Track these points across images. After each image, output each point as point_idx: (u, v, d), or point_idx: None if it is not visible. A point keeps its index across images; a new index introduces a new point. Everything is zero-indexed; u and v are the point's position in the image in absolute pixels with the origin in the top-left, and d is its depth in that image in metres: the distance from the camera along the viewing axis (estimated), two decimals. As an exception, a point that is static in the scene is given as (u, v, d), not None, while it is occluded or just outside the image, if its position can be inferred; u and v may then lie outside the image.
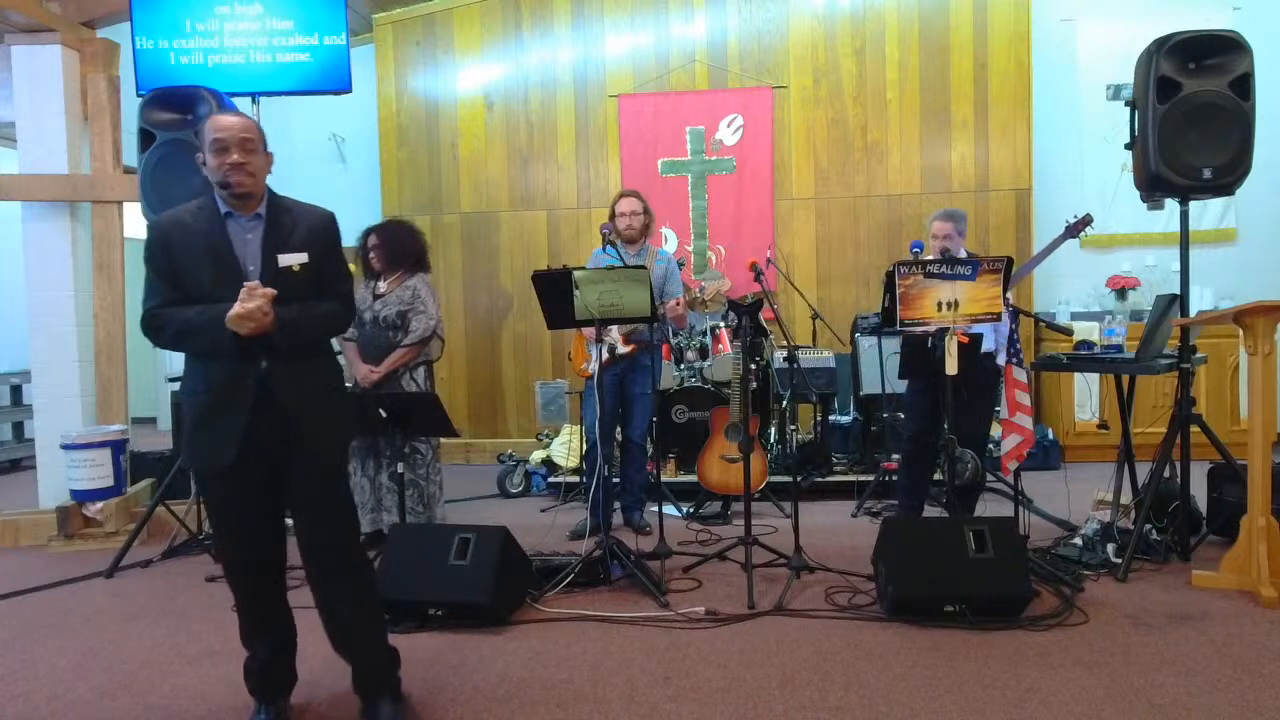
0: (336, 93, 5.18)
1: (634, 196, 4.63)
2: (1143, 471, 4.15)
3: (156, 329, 2.37)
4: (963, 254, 4.28)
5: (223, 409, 2.37)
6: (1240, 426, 5.57)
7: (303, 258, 2.41)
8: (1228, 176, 3.76)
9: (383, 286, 4.47)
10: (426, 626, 3.27)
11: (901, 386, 5.03)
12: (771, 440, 5.63)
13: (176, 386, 5.66)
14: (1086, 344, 4.16)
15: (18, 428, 7.85)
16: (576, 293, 3.55)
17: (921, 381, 4.21)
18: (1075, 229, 4.40)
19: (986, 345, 4.07)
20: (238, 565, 2.54)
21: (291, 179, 7.24)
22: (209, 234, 2.36)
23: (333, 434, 2.51)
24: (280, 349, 2.34)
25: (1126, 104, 3.99)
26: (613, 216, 4.61)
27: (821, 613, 3.37)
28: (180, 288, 2.36)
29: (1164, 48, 3.77)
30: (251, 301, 2.25)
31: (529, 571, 3.64)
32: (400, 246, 4.50)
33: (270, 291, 2.28)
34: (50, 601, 3.86)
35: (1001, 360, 4.15)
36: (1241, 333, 3.57)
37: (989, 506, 4.48)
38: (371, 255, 4.50)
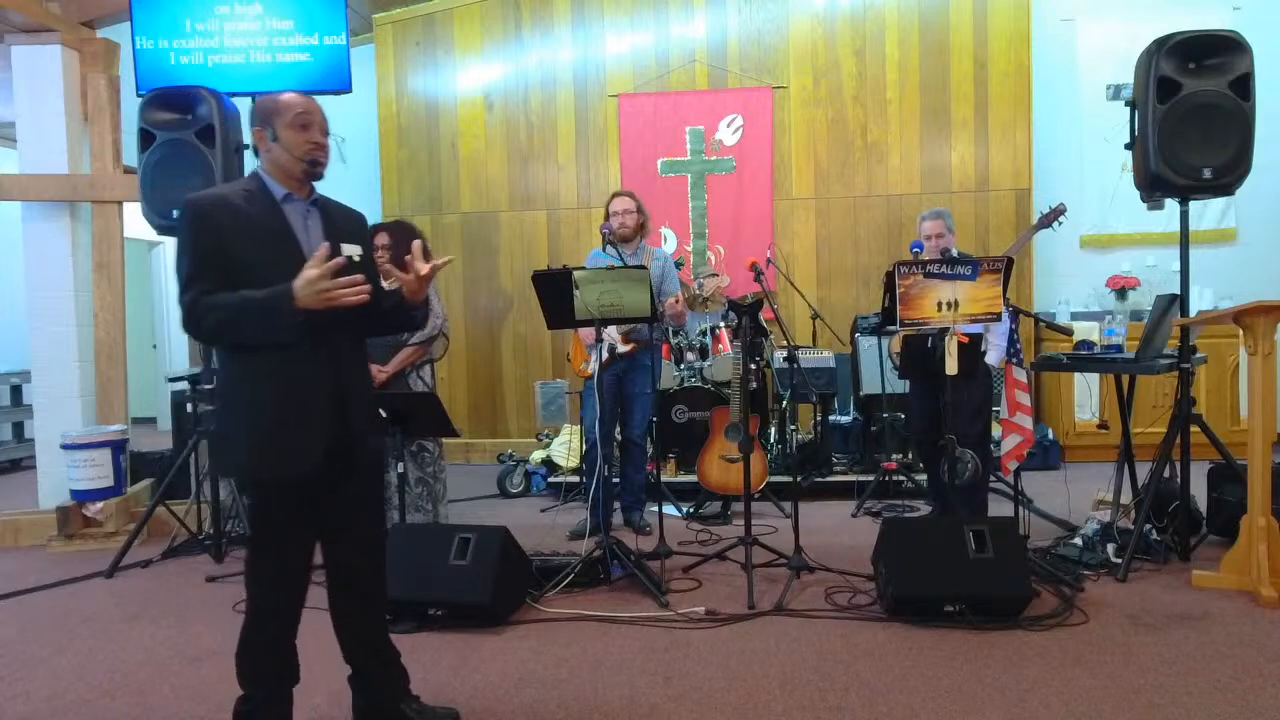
0: (336, 93, 5.17)
1: (627, 196, 4.64)
2: (1143, 471, 4.15)
3: (202, 313, 2.14)
4: (953, 252, 4.30)
5: (303, 408, 2.21)
6: (1240, 426, 5.56)
7: (359, 250, 2.34)
8: (1228, 176, 3.76)
9: (389, 285, 4.46)
10: (426, 626, 3.27)
11: (902, 386, 5.06)
12: (771, 440, 5.63)
13: (177, 386, 5.69)
14: (1086, 344, 4.16)
15: (18, 428, 7.86)
16: (576, 293, 3.55)
17: (918, 382, 4.25)
18: (1048, 219, 4.42)
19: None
20: (283, 583, 2.29)
21: (291, 179, 7.25)
22: (267, 216, 2.24)
23: (379, 424, 2.42)
24: (358, 332, 2.29)
25: (1126, 104, 3.99)
26: (607, 217, 4.61)
27: (821, 613, 3.37)
28: (227, 273, 2.16)
29: (1164, 48, 3.77)
30: (338, 274, 2.11)
31: (529, 571, 3.64)
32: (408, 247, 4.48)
33: (342, 260, 2.15)
34: (50, 601, 3.87)
35: (993, 359, 4.15)
36: (1241, 333, 3.57)
37: (989, 507, 4.47)
38: (379, 254, 4.48)
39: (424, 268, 2.32)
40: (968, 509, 4.14)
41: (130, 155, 4.72)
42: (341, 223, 2.38)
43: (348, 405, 2.29)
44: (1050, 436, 6.18)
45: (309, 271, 2.11)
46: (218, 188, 2.30)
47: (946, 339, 3.54)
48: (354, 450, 2.31)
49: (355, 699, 2.53)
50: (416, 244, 2.35)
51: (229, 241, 2.18)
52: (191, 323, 2.18)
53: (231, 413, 2.27)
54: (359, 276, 2.17)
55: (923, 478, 5.26)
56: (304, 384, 2.23)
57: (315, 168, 2.29)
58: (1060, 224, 4.44)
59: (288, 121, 2.25)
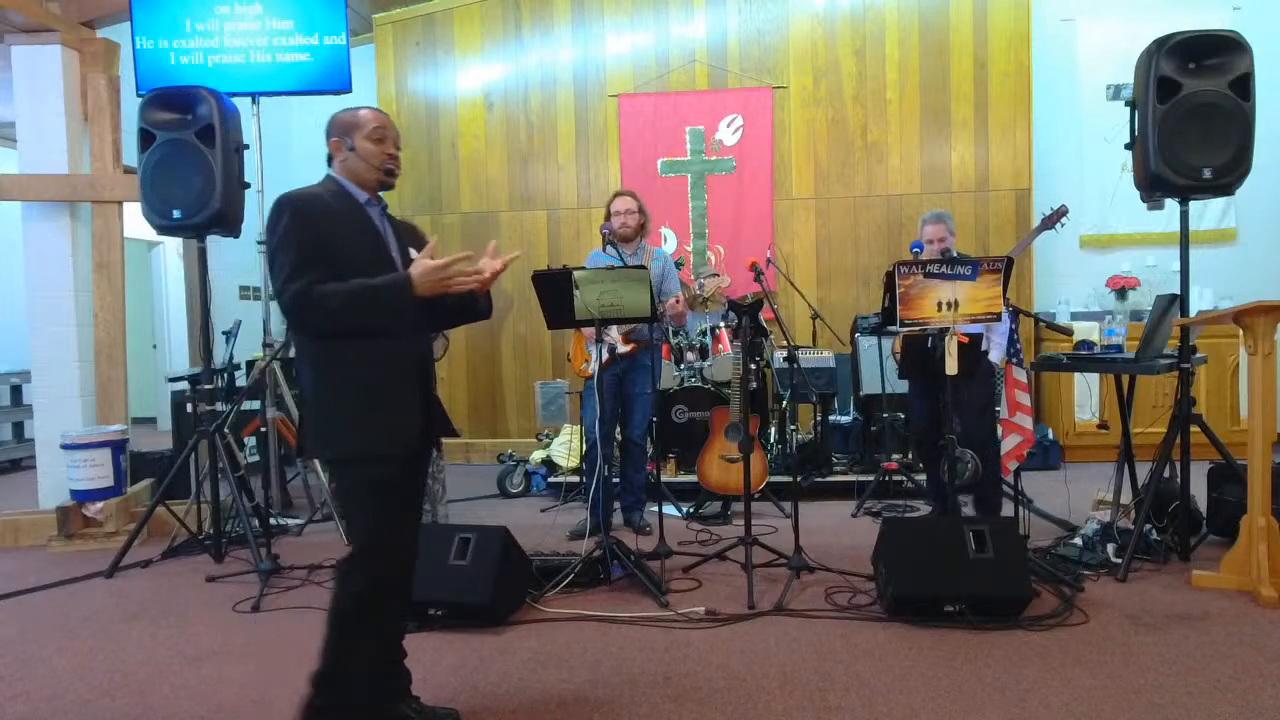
0: (336, 93, 5.18)
1: (629, 196, 4.64)
2: (1143, 471, 4.15)
3: (316, 301, 2.22)
4: (953, 254, 4.31)
5: (404, 388, 2.37)
6: (1240, 426, 5.57)
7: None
8: (1228, 176, 3.76)
9: None
10: (427, 626, 3.27)
11: (902, 386, 5.07)
12: (771, 440, 5.63)
13: (177, 386, 5.69)
14: (1086, 344, 4.16)
15: (18, 428, 7.86)
16: (576, 293, 3.55)
17: (918, 382, 4.26)
18: (1050, 220, 4.42)
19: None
20: (395, 572, 2.39)
21: (292, 179, 7.24)
22: (356, 216, 2.41)
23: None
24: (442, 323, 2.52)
25: (1126, 104, 3.99)
26: (608, 217, 4.61)
27: (821, 613, 3.37)
28: (328, 266, 2.26)
29: (1164, 48, 3.77)
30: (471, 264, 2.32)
31: (529, 571, 3.64)
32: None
33: (470, 254, 2.37)
34: (50, 601, 3.86)
35: (995, 356, 4.16)
36: (1241, 333, 3.57)
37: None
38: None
39: (496, 264, 2.43)
40: (983, 508, 4.16)
41: (130, 155, 4.71)
42: (403, 231, 2.58)
43: (429, 387, 2.48)
44: (1050, 436, 6.18)
45: (429, 261, 2.28)
46: (308, 188, 2.43)
47: (946, 339, 3.54)
48: (436, 429, 2.50)
49: None
50: (493, 244, 2.50)
51: (328, 236, 2.31)
52: (303, 309, 2.25)
53: (335, 396, 2.33)
54: (481, 265, 2.37)
55: (923, 478, 5.26)
56: (402, 366, 2.38)
57: (390, 177, 2.47)
58: (1063, 225, 4.44)
59: (365, 134, 2.42)
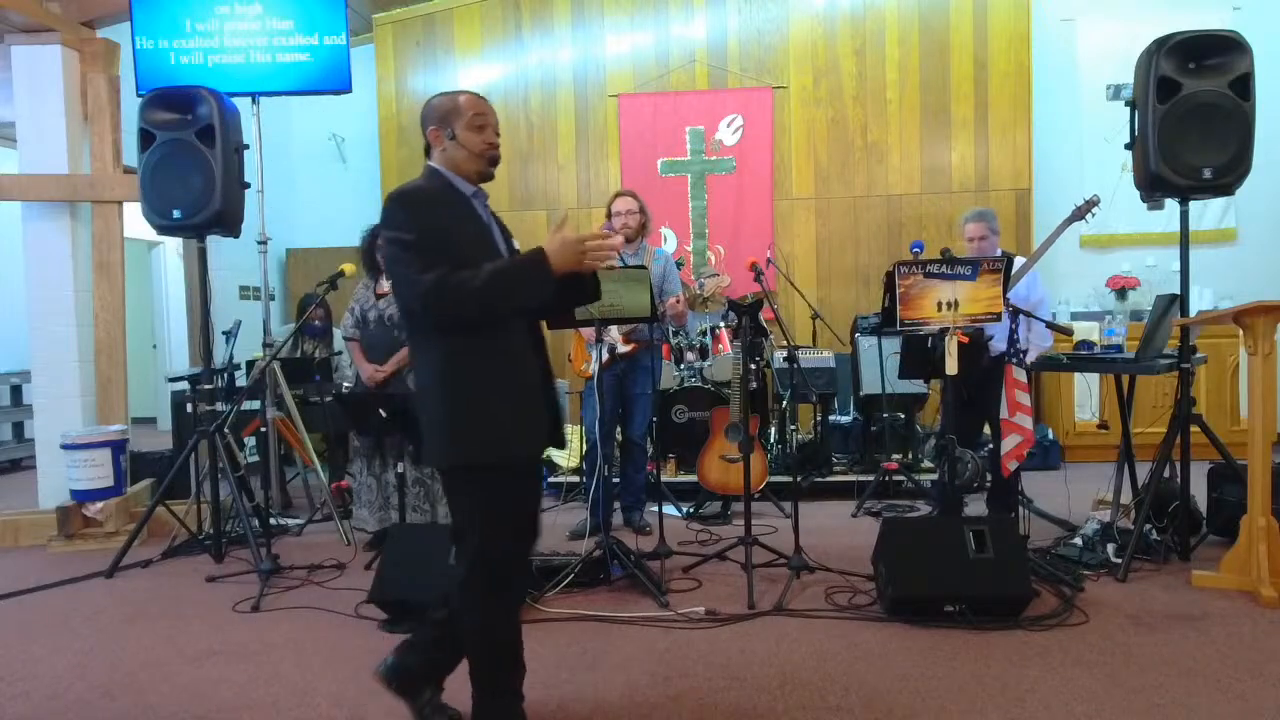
0: (336, 93, 5.18)
1: (630, 196, 4.63)
2: (1143, 471, 4.15)
3: (456, 286, 2.12)
4: (998, 253, 4.31)
5: (532, 386, 2.31)
6: (1240, 426, 5.57)
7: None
8: (1228, 176, 3.76)
9: (386, 285, 4.45)
10: (426, 626, 3.27)
11: (901, 386, 5.07)
12: (771, 440, 5.63)
13: (177, 386, 5.69)
14: (1086, 344, 4.16)
15: (18, 428, 7.86)
16: (576, 293, 3.55)
17: (936, 380, 4.25)
18: (1081, 211, 4.39)
19: (999, 347, 4.06)
20: (519, 572, 2.39)
21: (292, 179, 7.26)
22: (467, 211, 2.34)
23: None
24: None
25: (1126, 104, 3.98)
26: (609, 217, 4.61)
27: (821, 613, 3.37)
28: (451, 259, 2.17)
29: (1164, 48, 3.77)
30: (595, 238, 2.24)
31: (529, 571, 3.63)
32: None
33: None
34: (50, 601, 3.86)
35: (1030, 356, 4.14)
36: (1241, 333, 3.57)
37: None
38: (380, 255, 4.47)
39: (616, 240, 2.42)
40: (1003, 508, 4.14)
41: (130, 155, 4.71)
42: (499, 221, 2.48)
43: (550, 384, 2.41)
44: (1050, 436, 6.18)
45: (566, 234, 2.19)
46: (417, 183, 2.36)
47: (946, 339, 3.54)
48: (558, 425, 2.45)
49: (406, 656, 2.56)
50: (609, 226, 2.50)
51: (445, 231, 2.23)
52: (444, 296, 2.14)
53: (466, 396, 2.24)
54: (617, 237, 2.31)
55: (922, 478, 5.27)
56: (528, 363, 2.32)
57: (493, 166, 2.38)
58: (1094, 215, 4.41)
59: (466, 122, 2.33)
